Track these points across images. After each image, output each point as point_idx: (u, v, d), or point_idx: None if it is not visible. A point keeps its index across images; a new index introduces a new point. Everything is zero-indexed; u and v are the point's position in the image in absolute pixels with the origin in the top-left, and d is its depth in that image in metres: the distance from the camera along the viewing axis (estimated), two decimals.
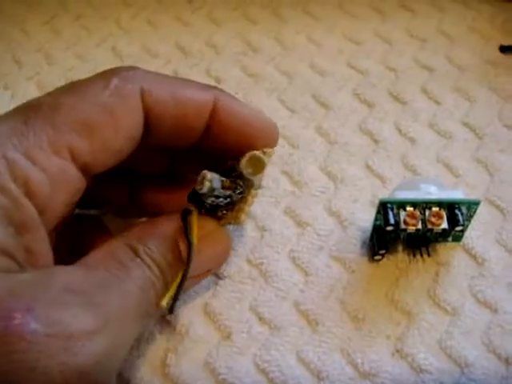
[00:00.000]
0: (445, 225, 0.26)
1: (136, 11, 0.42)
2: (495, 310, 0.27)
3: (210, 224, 0.25)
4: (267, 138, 0.25)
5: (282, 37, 0.40)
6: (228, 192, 0.24)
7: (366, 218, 0.30)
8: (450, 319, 0.27)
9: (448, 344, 0.26)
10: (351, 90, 0.36)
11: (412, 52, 0.38)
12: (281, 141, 0.33)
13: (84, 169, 0.22)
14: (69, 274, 0.21)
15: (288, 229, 0.30)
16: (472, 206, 0.27)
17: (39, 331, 0.18)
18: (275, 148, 0.25)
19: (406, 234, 0.28)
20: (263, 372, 0.26)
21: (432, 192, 0.28)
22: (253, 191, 0.24)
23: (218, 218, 0.25)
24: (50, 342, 0.18)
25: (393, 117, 0.35)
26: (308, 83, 0.37)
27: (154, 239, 0.23)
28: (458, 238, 0.29)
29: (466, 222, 0.27)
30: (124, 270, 0.22)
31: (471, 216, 0.27)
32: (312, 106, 0.36)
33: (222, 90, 0.25)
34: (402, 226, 0.26)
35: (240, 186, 0.24)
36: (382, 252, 0.28)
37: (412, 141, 0.33)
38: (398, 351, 0.26)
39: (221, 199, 0.24)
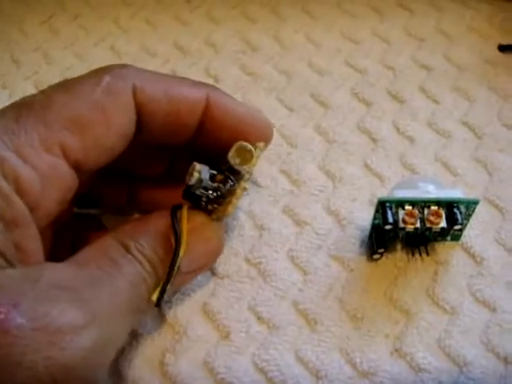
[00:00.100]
0: (443, 224, 0.26)
1: (135, 10, 0.42)
2: (494, 309, 0.27)
3: (199, 218, 0.25)
4: (261, 134, 0.25)
5: (281, 36, 0.40)
6: (215, 184, 0.24)
7: (364, 217, 0.30)
8: (448, 318, 0.27)
9: (447, 343, 0.26)
10: (349, 89, 0.36)
11: (410, 51, 0.38)
12: (279, 140, 0.34)
13: (76, 166, 0.22)
14: (58, 271, 0.21)
15: (286, 228, 0.30)
16: (471, 205, 0.27)
17: (25, 325, 0.18)
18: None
19: (404, 233, 0.28)
20: (262, 371, 0.26)
21: (431, 191, 0.28)
22: (242, 183, 0.24)
23: (209, 212, 0.25)
24: (36, 337, 0.18)
25: (391, 116, 0.35)
26: (306, 82, 0.37)
27: (146, 235, 0.23)
28: (456, 237, 0.29)
29: (464, 221, 0.27)
30: (115, 267, 0.22)
31: (470, 215, 0.27)
32: (310, 105, 0.36)
33: (214, 87, 0.25)
34: (401, 224, 0.26)
35: (231, 179, 0.24)
36: (381, 251, 0.28)
37: (410, 140, 0.33)
38: (396, 350, 0.26)
39: (210, 191, 0.24)
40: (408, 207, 0.27)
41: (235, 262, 0.29)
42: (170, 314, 0.28)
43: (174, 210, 0.24)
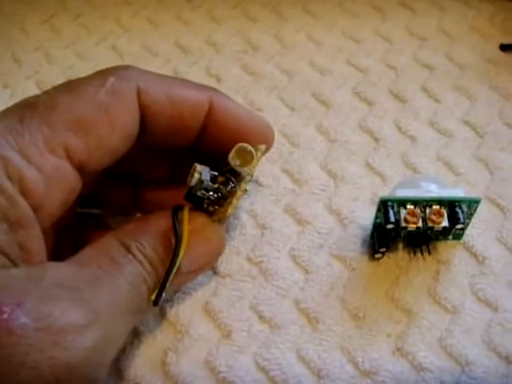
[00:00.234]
0: (445, 223, 0.26)
1: (136, 10, 0.42)
2: (496, 309, 0.27)
3: (200, 219, 0.25)
4: (262, 137, 0.25)
5: (282, 35, 0.40)
6: (216, 185, 0.24)
7: (366, 216, 0.30)
8: (450, 317, 0.27)
9: (448, 342, 0.26)
10: (351, 88, 0.36)
11: (412, 50, 0.38)
12: (281, 139, 0.34)
13: (79, 167, 0.22)
14: (60, 270, 0.21)
15: (288, 227, 0.30)
16: (472, 204, 0.27)
17: (29, 325, 0.18)
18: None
19: (406, 232, 0.28)
20: (263, 370, 0.26)
21: (432, 190, 0.28)
22: (243, 185, 0.24)
23: (210, 214, 0.25)
24: (39, 336, 0.18)
25: (393, 115, 0.35)
26: (308, 81, 0.37)
27: (147, 236, 0.23)
28: (458, 236, 0.29)
29: (466, 220, 0.27)
30: (116, 267, 0.22)
31: (472, 214, 0.27)
32: (312, 105, 0.36)
33: (217, 90, 0.26)
34: (403, 224, 0.26)
35: (231, 180, 0.24)
36: (383, 250, 0.28)
37: (412, 139, 0.33)
38: (398, 349, 0.26)
39: (211, 193, 0.24)
40: (410, 206, 0.27)
41: (237, 261, 0.29)
42: (172, 313, 0.28)
43: (175, 211, 0.24)
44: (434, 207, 0.26)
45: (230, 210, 0.25)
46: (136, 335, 0.27)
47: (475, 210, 0.27)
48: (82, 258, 0.22)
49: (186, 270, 0.24)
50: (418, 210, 0.26)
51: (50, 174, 0.21)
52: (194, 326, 0.27)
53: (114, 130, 0.23)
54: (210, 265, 0.27)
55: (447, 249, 0.29)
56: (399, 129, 0.34)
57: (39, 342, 0.18)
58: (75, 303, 0.20)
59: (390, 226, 0.26)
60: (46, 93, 0.23)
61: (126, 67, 0.24)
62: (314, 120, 0.35)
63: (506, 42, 0.38)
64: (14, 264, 0.20)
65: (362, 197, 0.31)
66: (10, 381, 0.18)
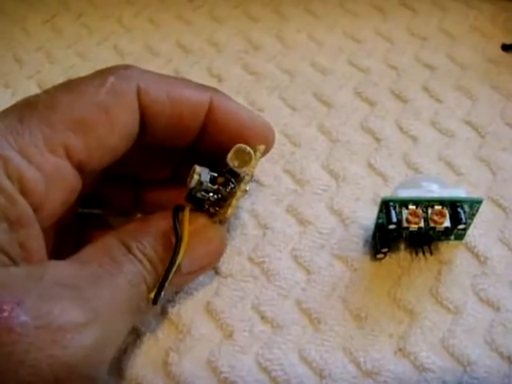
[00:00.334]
0: (447, 223, 0.26)
1: (138, 10, 0.42)
2: (498, 309, 0.27)
3: (201, 219, 0.25)
4: (262, 138, 0.25)
5: (284, 35, 0.40)
6: (216, 186, 0.24)
7: (368, 217, 0.30)
8: (452, 318, 0.27)
9: (450, 342, 0.26)
10: (352, 88, 0.36)
11: (413, 50, 0.38)
12: (283, 139, 0.34)
13: (79, 166, 0.22)
14: (61, 269, 0.21)
15: (290, 227, 0.30)
16: (474, 204, 0.27)
17: (29, 323, 0.18)
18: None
19: (408, 233, 0.28)
20: (265, 371, 0.26)
21: (434, 190, 0.28)
22: (242, 186, 0.24)
23: (211, 215, 0.25)
24: (39, 335, 0.18)
25: (394, 115, 0.35)
26: (309, 81, 0.37)
27: (148, 235, 0.23)
28: (460, 237, 0.29)
29: (468, 221, 0.27)
30: (116, 266, 0.22)
31: (474, 214, 0.27)
32: (313, 105, 0.36)
33: (217, 91, 0.26)
34: (405, 224, 0.26)
35: (231, 182, 0.24)
36: (385, 250, 0.28)
37: (414, 139, 0.33)
38: (400, 350, 0.26)
39: (210, 194, 0.24)
40: (412, 207, 0.26)
41: (238, 261, 0.29)
42: (174, 313, 0.28)
43: (176, 211, 0.24)
44: (436, 207, 0.26)
45: (230, 211, 0.25)
46: (138, 335, 0.27)
47: (477, 211, 0.27)
48: (82, 256, 0.22)
49: (187, 271, 0.24)
50: (419, 211, 0.26)
51: (49, 173, 0.21)
52: (196, 326, 0.27)
53: (113, 129, 0.23)
54: (211, 265, 0.27)
55: (449, 249, 0.29)
56: (401, 129, 0.34)
57: (39, 340, 0.18)
58: (75, 302, 0.20)
59: (391, 227, 0.26)
60: (45, 92, 0.23)
61: (126, 67, 0.24)
62: (315, 120, 0.35)
63: (508, 42, 0.38)
64: (14, 263, 0.20)
65: (364, 197, 0.31)
66: (10, 379, 0.18)
